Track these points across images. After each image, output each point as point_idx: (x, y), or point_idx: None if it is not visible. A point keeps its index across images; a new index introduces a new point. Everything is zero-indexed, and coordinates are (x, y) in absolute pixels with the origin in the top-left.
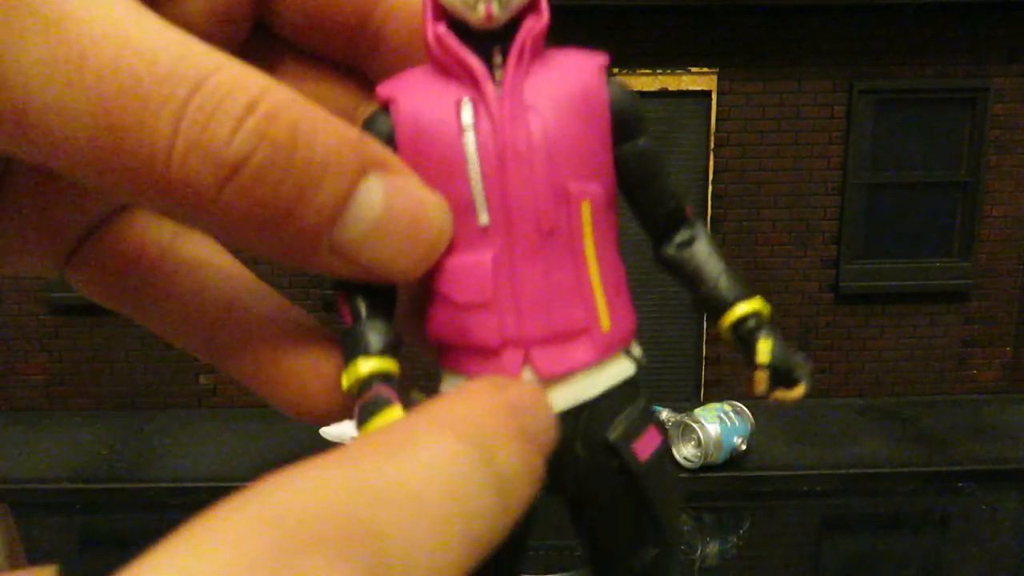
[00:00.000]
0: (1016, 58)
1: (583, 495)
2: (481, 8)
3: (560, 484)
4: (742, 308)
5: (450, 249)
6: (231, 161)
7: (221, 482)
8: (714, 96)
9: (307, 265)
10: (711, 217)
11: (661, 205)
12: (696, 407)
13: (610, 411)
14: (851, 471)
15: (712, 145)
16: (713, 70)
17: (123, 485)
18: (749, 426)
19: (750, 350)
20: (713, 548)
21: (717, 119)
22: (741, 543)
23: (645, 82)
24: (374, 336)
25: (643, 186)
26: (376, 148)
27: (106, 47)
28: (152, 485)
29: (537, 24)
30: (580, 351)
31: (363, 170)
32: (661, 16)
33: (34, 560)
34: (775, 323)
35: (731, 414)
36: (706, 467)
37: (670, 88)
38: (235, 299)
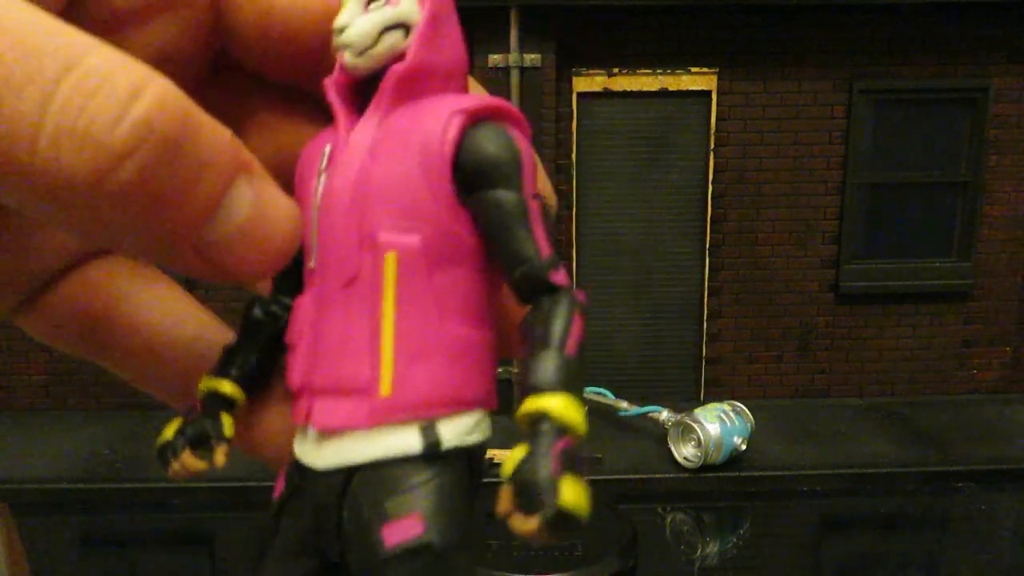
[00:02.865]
0: (1016, 58)
1: (344, 565)
2: (343, 57)
3: (320, 546)
4: (537, 402)
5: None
6: (117, 151)
7: (221, 482)
8: (714, 96)
9: (167, 262)
10: (711, 217)
11: (514, 265)
12: (696, 407)
13: (382, 485)
14: (851, 471)
15: (712, 145)
16: (713, 70)
17: (123, 485)
18: (749, 426)
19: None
20: (713, 548)
21: (717, 119)
22: (741, 543)
23: (645, 82)
24: (236, 359)
25: (495, 240)
26: (245, 151)
27: None
28: (152, 485)
29: (397, 70)
30: (353, 411)
31: (237, 171)
32: (661, 16)
33: (34, 560)
34: (572, 431)
35: (731, 414)
36: (706, 467)
37: (670, 88)
38: (197, 347)
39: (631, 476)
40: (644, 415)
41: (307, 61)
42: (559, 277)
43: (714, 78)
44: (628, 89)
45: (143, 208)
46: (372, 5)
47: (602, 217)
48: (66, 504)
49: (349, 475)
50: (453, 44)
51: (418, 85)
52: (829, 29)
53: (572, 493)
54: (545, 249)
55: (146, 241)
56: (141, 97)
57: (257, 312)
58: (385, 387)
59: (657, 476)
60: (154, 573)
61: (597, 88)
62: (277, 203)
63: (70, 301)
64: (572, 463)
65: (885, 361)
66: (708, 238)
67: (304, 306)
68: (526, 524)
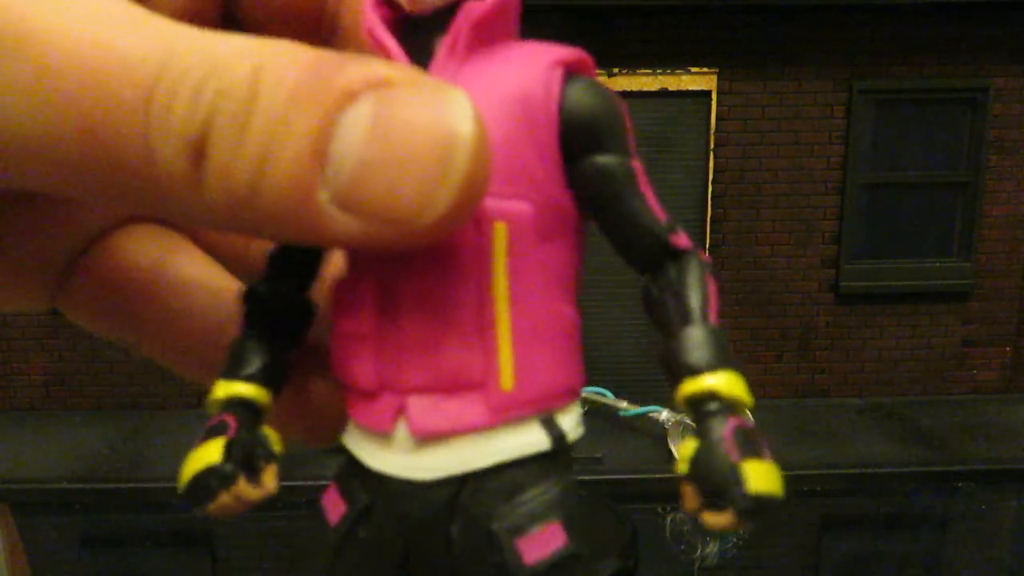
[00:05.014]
0: (1016, 58)
1: None
2: None
3: (426, 566)
4: (700, 383)
5: (346, 266)
6: (194, 136)
7: None
8: (714, 96)
9: (320, 235)
10: (711, 217)
11: (633, 237)
12: None
13: (504, 492)
14: (851, 471)
15: (712, 145)
16: (713, 70)
17: (123, 485)
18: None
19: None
20: (713, 548)
21: (717, 119)
22: (741, 543)
23: (645, 82)
24: (253, 356)
25: (606, 211)
26: (369, 67)
27: (65, 50)
28: (152, 485)
29: (477, 8)
30: (466, 409)
31: (349, 95)
32: (661, 16)
33: (34, 560)
34: (740, 408)
35: None
36: None
37: (670, 88)
38: (230, 319)
39: (631, 476)
40: (644, 415)
41: (305, 19)
42: (681, 240)
43: (714, 78)
44: (628, 89)
45: (244, 180)
46: None
47: None
48: (66, 504)
49: (459, 485)
50: None
51: (495, 28)
52: (829, 29)
53: (760, 476)
54: (660, 213)
55: (277, 213)
56: (215, 74)
57: (264, 292)
58: (507, 379)
59: (657, 476)
60: (154, 573)
61: None
62: (421, 111)
63: (104, 274)
64: (751, 443)
65: (885, 361)
66: (708, 238)
67: (361, 288)
68: (720, 519)
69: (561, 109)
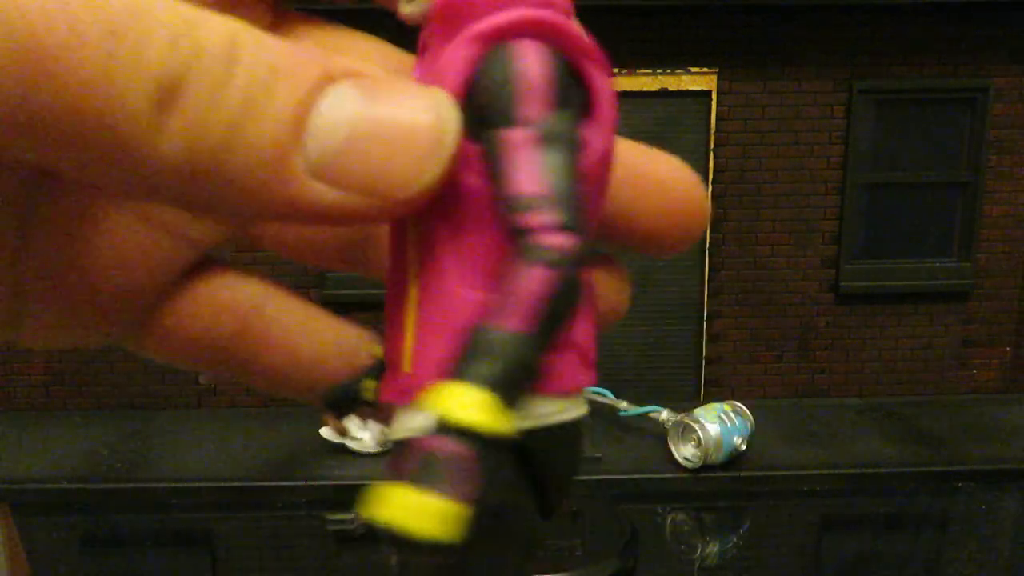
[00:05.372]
0: (1016, 58)
1: None
2: (401, 10)
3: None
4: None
5: None
6: (166, 79)
7: (221, 482)
8: (714, 96)
9: (288, 205)
10: (711, 217)
11: (505, 215)
12: (696, 407)
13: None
14: (851, 471)
15: (712, 145)
16: (713, 70)
17: (123, 485)
18: (749, 426)
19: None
20: (713, 548)
21: (717, 119)
22: (741, 543)
23: (645, 82)
24: None
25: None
26: (347, 63)
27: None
28: (152, 485)
29: (437, 2)
30: (388, 385)
31: (328, 78)
32: (661, 16)
33: (34, 560)
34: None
35: (731, 414)
36: (706, 467)
37: (670, 88)
38: (340, 350)
39: (631, 476)
40: (644, 415)
41: None
42: (533, 220)
43: (714, 78)
44: (628, 89)
45: (214, 139)
46: None
47: None
48: (66, 504)
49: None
50: None
51: (464, 13)
52: (829, 29)
53: (400, 505)
54: (524, 185)
55: (246, 180)
56: (192, 29)
57: None
58: (407, 361)
59: (657, 476)
60: (154, 573)
61: None
62: (409, 101)
63: (192, 320)
64: (433, 473)
65: (885, 361)
66: (708, 238)
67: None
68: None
69: (468, 89)
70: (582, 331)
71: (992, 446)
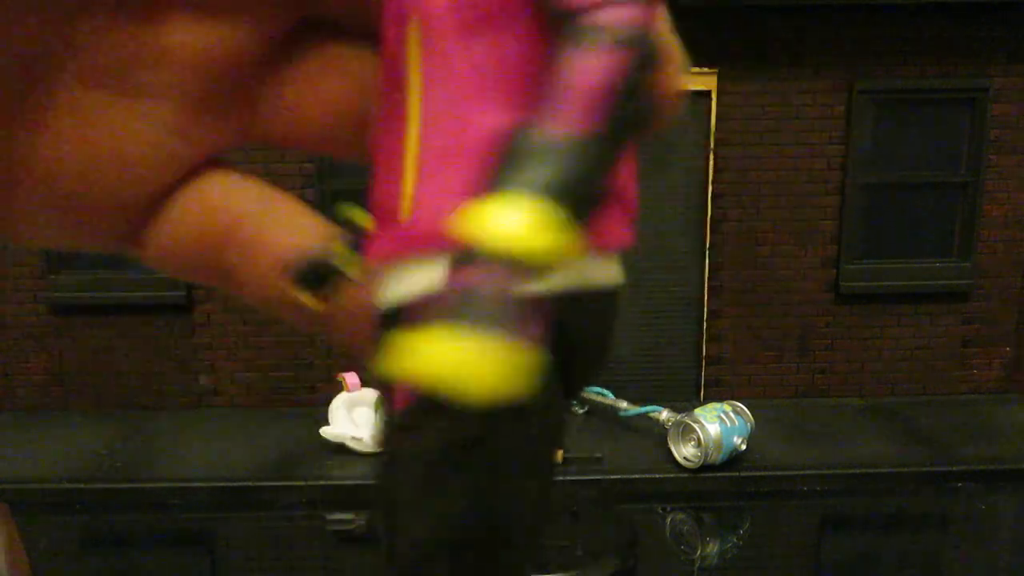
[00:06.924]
0: (1016, 58)
1: None
2: None
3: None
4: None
5: None
6: None
7: (221, 482)
8: (714, 96)
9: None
10: (711, 217)
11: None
12: (696, 407)
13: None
14: (851, 471)
15: (712, 145)
16: (713, 70)
17: (123, 485)
18: (749, 426)
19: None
20: (713, 548)
21: (717, 119)
22: (741, 543)
23: None
24: None
25: None
26: None
27: None
28: (152, 485)
29: None
30: (380, 241)
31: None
32: None
33: (34, 560)
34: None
35: (731, 414)
36: (706, 467)
37: None
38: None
39: (631, 476)
40: (644, 415)
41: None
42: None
43: (714, 78)
44: None
45: None
46: None
47: None
48: (66, 504)
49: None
50: None
51: None
52: (829, 29)
53: (426, 354)
54: None
55: None
56: None
57: None
58: (405, 209)
59: (657, 476)
60: (154, 573)
61: None
62: None
63: (184, 224)
64: (477, 311)
65: (885, 361)
66: (708, 238)
67: None
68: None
69: None
70: (625, 177)
71: (992, 446)
